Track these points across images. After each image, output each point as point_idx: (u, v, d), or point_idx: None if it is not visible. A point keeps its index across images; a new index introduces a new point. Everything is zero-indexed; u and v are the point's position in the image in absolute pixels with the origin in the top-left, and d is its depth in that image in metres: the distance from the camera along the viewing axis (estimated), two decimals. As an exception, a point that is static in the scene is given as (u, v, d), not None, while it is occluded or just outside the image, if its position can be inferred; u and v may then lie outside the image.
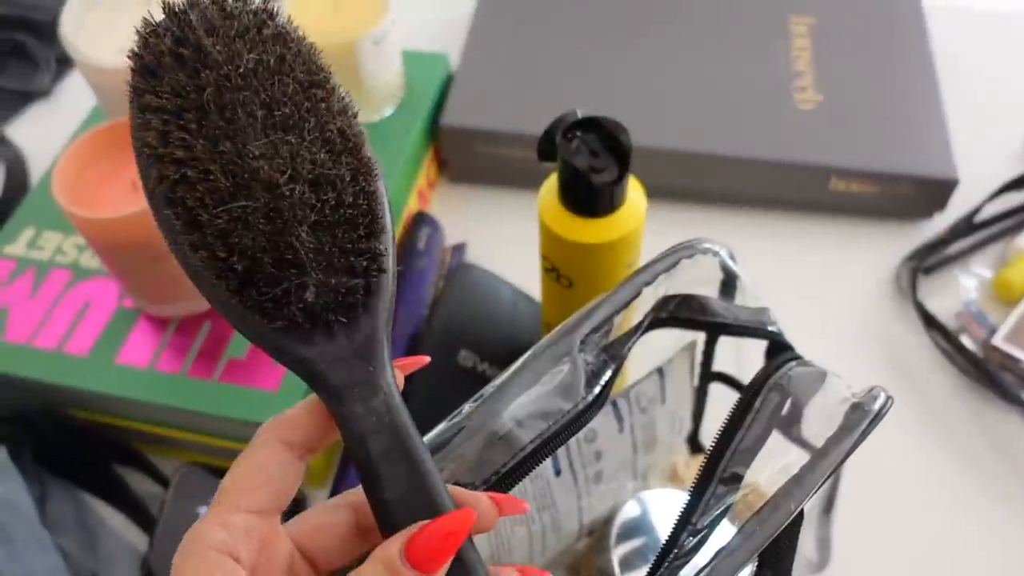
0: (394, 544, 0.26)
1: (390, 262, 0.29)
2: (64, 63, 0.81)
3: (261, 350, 0.28)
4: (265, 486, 0.29)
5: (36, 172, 0.73)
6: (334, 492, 0.55)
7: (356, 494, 0.31)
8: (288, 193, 0.26)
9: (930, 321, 0.61)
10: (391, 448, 0.27)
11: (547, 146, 0.43)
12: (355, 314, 0.28)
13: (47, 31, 0.80)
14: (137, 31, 0.27)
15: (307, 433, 0.29)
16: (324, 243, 0.27)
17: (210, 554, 0.27)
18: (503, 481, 0.33)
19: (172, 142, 0.26)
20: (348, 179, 0.28)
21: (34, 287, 0.58)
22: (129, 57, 0.27)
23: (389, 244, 0.29)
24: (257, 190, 0.26)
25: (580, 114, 0.43)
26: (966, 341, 0.60)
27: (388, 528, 0.27)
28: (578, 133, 0.43)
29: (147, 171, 0.27)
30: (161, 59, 0.26)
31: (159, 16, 0.27)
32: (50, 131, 0.73)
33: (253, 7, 0.28)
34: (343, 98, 0.29)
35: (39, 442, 0.54)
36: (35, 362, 0.54)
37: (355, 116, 0.29)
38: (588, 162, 0.42)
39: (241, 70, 0.26)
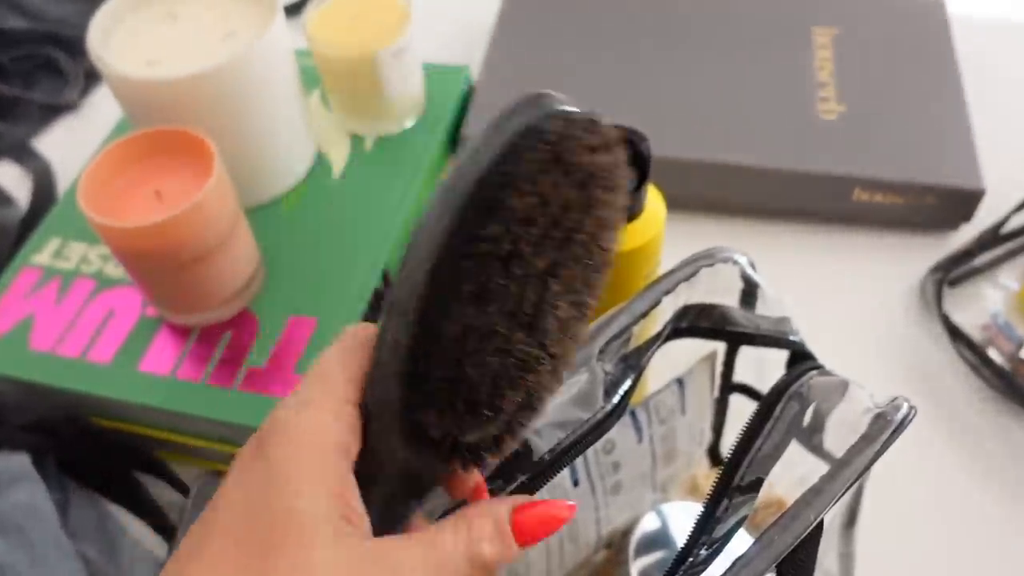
0: (502, 506, 0.25)
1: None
2: (92, 77, 0.82)
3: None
4: (361, 376, 0.25)
5: (63, 184, 0.74)
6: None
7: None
8: (535, 366, 0.25)
9: (956, 334, 0.60)
10: None
11: (566, 155, 0.42)
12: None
13: (76, 46, 0.82)
14: (585, 114, 0.25)
15: None
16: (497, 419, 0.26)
17: (329, 457, 0.23)
18: (521, 491, 0.33)
19: (531, 230, 0.23)
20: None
21: (59, 296, 0.58)
22: (553, 119, 0.25)
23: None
24: (534, 344, 0.25)
25: (599, 123, 0.43)
26: (993, 354, 0.59)
27: None
28: (597, 142, 0.43)
29: (482, 221, 0.23)
30: (572, 162, 0.24)
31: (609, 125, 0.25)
32: (77, 144, 0.74)
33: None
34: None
35: (62, 450, 0.55)
36: (58, 370, 0.55)
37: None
38: (607, 171, 0.42)
39: (606, 251, 0.27)
